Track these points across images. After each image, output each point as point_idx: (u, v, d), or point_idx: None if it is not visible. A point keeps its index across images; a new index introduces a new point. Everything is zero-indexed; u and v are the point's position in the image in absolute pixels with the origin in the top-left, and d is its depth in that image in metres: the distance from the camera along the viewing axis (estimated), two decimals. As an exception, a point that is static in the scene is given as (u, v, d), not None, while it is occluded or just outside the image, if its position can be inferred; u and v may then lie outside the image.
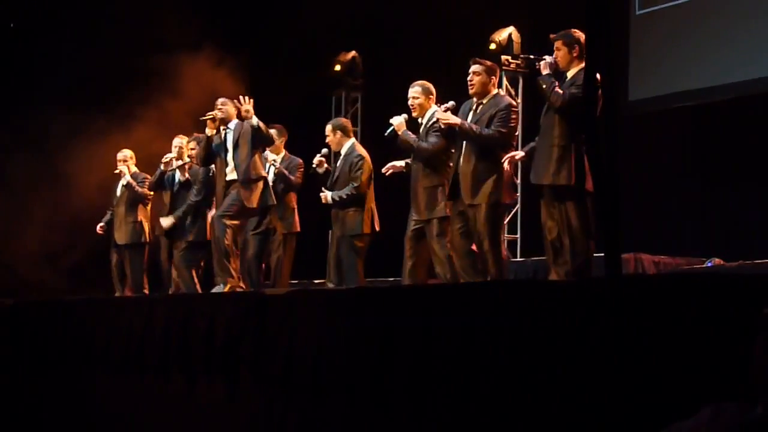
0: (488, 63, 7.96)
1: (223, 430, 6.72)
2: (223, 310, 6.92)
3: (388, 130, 8.29)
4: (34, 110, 12.73)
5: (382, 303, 5.71)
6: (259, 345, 6.40)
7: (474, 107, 7.94)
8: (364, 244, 9.28)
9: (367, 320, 5.62)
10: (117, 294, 11.13)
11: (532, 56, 7.43)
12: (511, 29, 12.22)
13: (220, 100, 9.54)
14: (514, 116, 7.83)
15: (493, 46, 12.15)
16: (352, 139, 9.57)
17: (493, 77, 7.95)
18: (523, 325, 4.55)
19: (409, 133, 8.27)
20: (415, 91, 8.39)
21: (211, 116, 9.43)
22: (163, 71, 11.76)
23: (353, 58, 14.52)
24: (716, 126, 10.89)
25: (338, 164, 9.50)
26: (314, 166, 9.72)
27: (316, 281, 11.17)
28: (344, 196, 9.25)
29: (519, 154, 7.77)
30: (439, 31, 12.54)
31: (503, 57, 12.19)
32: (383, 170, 8.75)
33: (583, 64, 7.16)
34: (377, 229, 9.29)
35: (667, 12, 11.39)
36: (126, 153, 11.27)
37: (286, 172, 10.20)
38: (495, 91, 7.95)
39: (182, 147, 10.81)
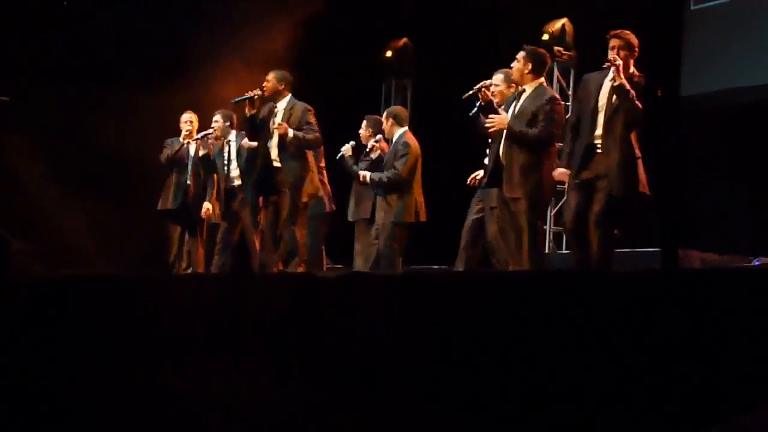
0: (528, 49, 7.91)
1: (270, 414, 6.74)
2: (274, 291, 6.94)
3: (473, 111, 8.20)
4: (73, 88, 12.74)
5: (435, 288, 5.72)
6: (310, 328, 6.42)
7: (517, 97, 7.94)
8: (405, 233, 9.32)
9: (419, 306, 5.63)
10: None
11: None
12: (564, 20, 12.19)
13: (269, 75, 9.43)
14: (558, 109, 7.78)
15: (545, 37, 12.12)
16: (404, 128, 9.60)
17: (529, 65, 7.86)
18: (578, 316, 4.56)
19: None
20: (497, 78, 8.39)
21: (251, 96, 9.38)
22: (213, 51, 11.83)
23: (405, 45, 14.51)
24: (768, 123, 10.82)
25: (388, 151, 9.59)
26: (342, 153, 9.94)
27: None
28: (384, 179, 9.38)
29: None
30: (493, 21, 12.49)
31: (556, 48, 12.16)
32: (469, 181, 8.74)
33: (633, 68, 7.24)
34: (422, 219, 9.31)
35: (721, 8, 11.32)
36: (192, 115, 11.04)
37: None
38: (538, 81, 7.91)
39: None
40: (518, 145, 7.69)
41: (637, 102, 7.14)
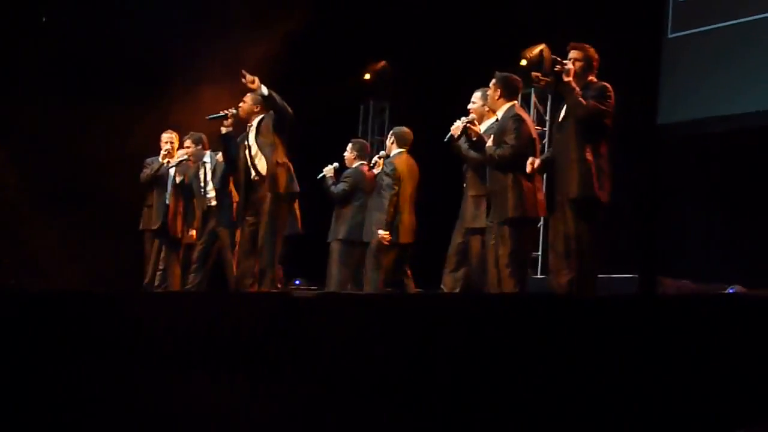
0: (499, 75, 8.04)
1: (244, 429, 6.73)
2: (250, 310, 6.95)
3: (447, 136, 8.30)
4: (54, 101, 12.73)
5: (409, 311, 5.73)
6: (285, 347, 6.43)
7: (491, 124, 8.10)
8: (390, 252, 9.35)
9: (394, 327, 5.64)
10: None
11: (555, 57, 7.44)
12: (542, 46, 12.24)
13: (246, 96, 9.42)
14: (522, 126, 7.82)
15: (523, 63, 12.17)
16: (400, 150, 9.61)
17: (498, 90, 7.98)
18: (554, 340, 4.58)
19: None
20: (476, 96, 8.46)
21: (225, 114, 9.43)
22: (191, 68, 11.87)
23: (383, 67, 14.57)
24: (744, 153, 10.85)
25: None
26: (324, 173, 10.20)
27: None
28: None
29: (536, 161, 7.69)
30: (471, 45, 12.55)
31: (533, 74, 12.19)
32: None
33: (593, 77, 7.29)
34: (400, 240, 9.34)
35: (699, 37, 11.39)
36: (173, 134, 11.11)
37: None
38: (509, 104, 7.99)
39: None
40: (491, 168, 7.80)
41: (581, 99, 7.15)
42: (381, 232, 9.22)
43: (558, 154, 7.39)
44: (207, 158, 10.57)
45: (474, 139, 8.05)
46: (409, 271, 9.54)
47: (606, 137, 7.26)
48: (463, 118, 8.19)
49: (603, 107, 7.17)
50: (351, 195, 10.04)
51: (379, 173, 9.70)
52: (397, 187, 9.31)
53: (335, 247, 9.98)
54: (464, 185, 8.51)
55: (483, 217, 7.97)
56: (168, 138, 10.90)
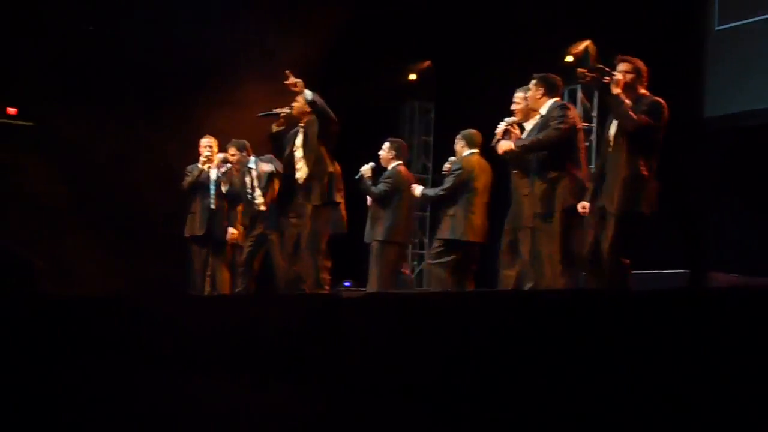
0: (539, 75, 8.12)
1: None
2: (296, 311, 6.94)
3: (494, 140, 8.38)
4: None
5: (453, 308, 5.69)
6: (330, 348, 6.41)
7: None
8: (455, 251, 9.33)
9: (439, 326, 5.60)
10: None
11: (603, 66, 7.41)
12: (587, 42, 12.16)
13: (297, 96, 9.34)
14: (565, 113, 7.92)
15: (569, 59, 12.09)
16: (471, 150, 9.55)
17: (542, 89, 8.06)
18: (600, 334, 4.52)
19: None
20: (518, 97, 8.45)
21: (278, 112, 9.42)
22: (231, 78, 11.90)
23: (428, 67, 14.53)
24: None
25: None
26: (361, 173, 10.07)
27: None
28: (432, 194, 9.71)
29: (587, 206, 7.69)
30: (515, 43, 12.48)
31: (579, 69, 12.12)
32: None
33: (643, 90, 7.23)
34: (471, 239, 9.29)
35: (745, 29, 11.27)
36: (211, 139, 11.14)
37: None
38: (550, 101, 8.05)
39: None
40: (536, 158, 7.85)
41: (631, 112, 7.10)
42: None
43: (609, 170, 7.32)
44: (251, 164, 10.59)
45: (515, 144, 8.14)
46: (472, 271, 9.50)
47: (656, 153, 7.20)
48: (507, 119, 8.24)
49: (654, 122, 7.10)
50: (391, 196, 9.98)
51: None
52: (456, 183, 9.33)
53: (375, 248, 9.93)
54: (511, 185, 8.52)
55: (531, 215, 7.96)
56: (207, 143, 10.93)
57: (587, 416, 4.53)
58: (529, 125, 8.33)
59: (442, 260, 9.31)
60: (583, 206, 7.61)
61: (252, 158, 10.61)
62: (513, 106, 8.43)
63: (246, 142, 10.62)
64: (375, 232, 9.94)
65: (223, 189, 10.75)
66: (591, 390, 4.53)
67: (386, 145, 10.26)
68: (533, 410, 4.82)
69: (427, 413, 5.51)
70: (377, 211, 10.02)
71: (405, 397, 5.66)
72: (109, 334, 9.06)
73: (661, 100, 7.21)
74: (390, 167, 10.17)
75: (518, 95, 8.44)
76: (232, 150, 10.67)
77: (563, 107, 7.96)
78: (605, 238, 7.17)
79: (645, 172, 7.10)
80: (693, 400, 4.10)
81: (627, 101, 7.13)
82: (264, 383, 7.04)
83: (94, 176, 12.91)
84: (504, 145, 7.99)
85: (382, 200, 9.98)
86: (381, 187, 10.01)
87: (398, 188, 10.02)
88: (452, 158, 9.69)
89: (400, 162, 10.19)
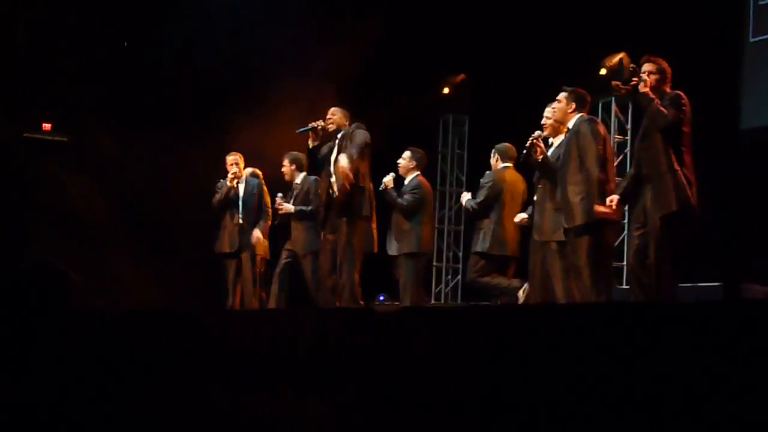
0: (570, 89, 8.19)
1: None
2: (332, 324, 6.95)
3: (522, 155, 8.43)
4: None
5: (487, 321, 5.70)
6: (368, 361, 6.42)
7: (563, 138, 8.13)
8: (486, 262, 9.34)
9: (477, 339, 5.60)
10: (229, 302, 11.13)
11: (634, 66, 7.48)
12: (622, 54, 12.12)
13: (332, 110, 9.49)
14: (595, 128, 7.97)
15: (603, 71, 12.07)
16: (505, 164, 9.60)
17: (573, 104, 8.14)
18: (636, 347, 4.52)
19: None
20: (549, 112, 8.48)
21: (314, 126, 9.45)
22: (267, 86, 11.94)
23: (462, 80, 14.53)
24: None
25: None
26: (384, 184, 9.99)
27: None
28: (469, 206, 9.58)
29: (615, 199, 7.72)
30: (549, 56, 12.47)
31: (614, 82, 12.08)
32: None
33: (667, 89, 7.27)
34: (497, 252, 9.31)
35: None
36: (237, 156, 11.19)
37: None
38: (578, 115, 8.12)
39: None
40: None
41: (662, 108, 7.16)
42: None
43: (643, 168, 7.34)
44: (299, 179, 10.65)
45: (540, 158, 8.22)
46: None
47: (688, 146, 7.23)
48: (537, 132, 8.28)
49: (680, 114, 7.16)
50: (417, 207, 9.95)
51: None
52: (486, 196, 9.32)
53: (404, 260, 9.89)
54: (534, 198, 8.54)
55: (560, 229, 7.99)
56: (233, 160, 10.99)
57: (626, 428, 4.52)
58: (557, 141, 8.38)
59: (484, 272, 9.35)
60: (611, 200, 7.62)
61: (302, 174, 10.64)
62: (543, 121, 8.48)
63: (301, 156, 10.58)
64: (402, 245, 9.90)
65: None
66: (631, 404, 4.52)
67: (407, 154, 10.22)
68: (565, 423, 4.81)
69: (461, 426, 5.51)
70: (402, 223, 9.97)
71: (441, 410, 5.67)
72: (145, 348, 9.11)
73: (680, 92, 7.28)
74: (410, 177, 10.14)
75: (549, 110, 8.48)
76: (285, 162, 10.70)
77: (592, 121, 8.01)
78: (651, 243, 7.16)
79: (678, 168, 7.12)
80: (730, 414, 4.09)
81: (656, 99, 7.20)
82: (301, 396, 7.06)
83: (130, 191, 13.00)
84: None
85: (407, 212, 9.94)
86: (408, 198, 9.97)
87: (424, 199, 10.02)
88: (488, 172, 9.72)
89: (419, 172, 10.17)
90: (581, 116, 8.10)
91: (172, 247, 12.72)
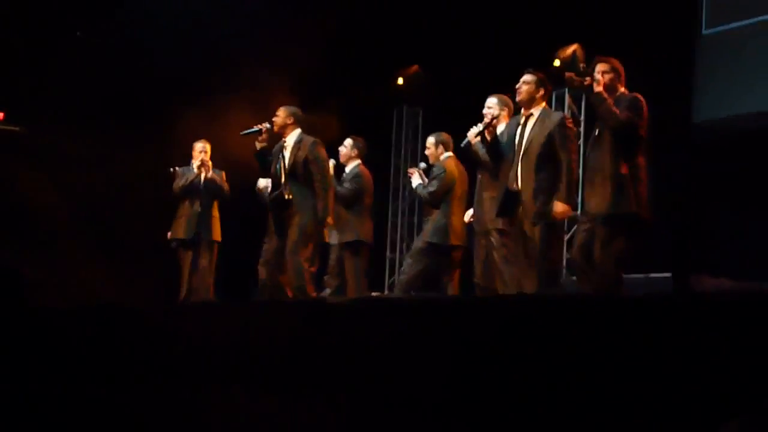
0: (540, 75, 8.05)
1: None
2: (284, 317, 6.92)
3: (464, 142, 8.38)
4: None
5: (442, 313, 5.68)
6: (320, 354, 6.39)
7: (523, 121, 8.00)
8: (438, 255, 9.32)
9: (428, 331, 5.59)
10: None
11: (585, 66, 7.49)
12: (575, 46, 12.15)
13: (279, 109, 9.35)
14: (569, 132, 7.95)
15: (557, 63, 12.08)
16: (447, 154, 9.56)
17: (542, 90, 8.03)
18: (587, 340, 4.52)
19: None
20: (491, 102, 8.46)
21: (259, 128, 9.28)
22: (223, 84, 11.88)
23: (416, 72, 14.51)
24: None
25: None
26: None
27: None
28: (424, 194, 9.51)
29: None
30: (502, 47, 12.47)
31: (567, 74, 12.10)
32: None
33: (623, 89, 7.27)
34: (454, 243, 9.30)
35: (733, 33, 11.28)
36: (205, 143, 11.14)
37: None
38: (543, 104, 8.05)
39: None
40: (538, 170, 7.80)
41: (614, 108, 7.16)
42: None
43: (591, 169, 7.37)
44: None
45: (490, 141, 8.15)
46: (456, 274, 9.48)
47: (642, 148, 7.24)
48: (480, 124, 8.25)
49: (636, 118, 7.14)
50: (358, 196, 10.00)
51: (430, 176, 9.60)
52: (444, 188, 9.32)
53: (344, 251, 9.90)
54: (476, 188, 8.67)
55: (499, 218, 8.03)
56: (201, 147, 10.92)
57: (582, 419, 4.53)
58: (499, 129, 8.31)
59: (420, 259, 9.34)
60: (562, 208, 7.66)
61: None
62: (485, 111, 8.44)
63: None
64: (342, 234, 9.92)
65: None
66: (586, 393, 4.53)
67: (348, 142, 10.19)
68: (526, 414, 4.81)
69: (421, 419, 5.50)
70: (342, 212, 9.95)
71: (401, 404, 5.66)
72: (97, 344, 9.03)
73: (639, 95, 7.27)
74: (351, 166, 10.13)
75: (492, 101, 8.51)
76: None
77: (566, 125, 7.97)
78: (597, 241, 7.18)
79: (629, 171, 7.11)
80: (681, 403, 4.10)
81: (609, 99, 7.18)
82: (254, 394, 7.02)
83: (82, 183, 12.87)
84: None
85: (347, 200, 9.89)
86: (348, 186, 9.93)
87: (365, 188, 9.99)
88: (423, 164, 9.75)
89: (360, 161, 10.15)
90: (549, 110, 8.11)
91: (126, 240, 12.62)
